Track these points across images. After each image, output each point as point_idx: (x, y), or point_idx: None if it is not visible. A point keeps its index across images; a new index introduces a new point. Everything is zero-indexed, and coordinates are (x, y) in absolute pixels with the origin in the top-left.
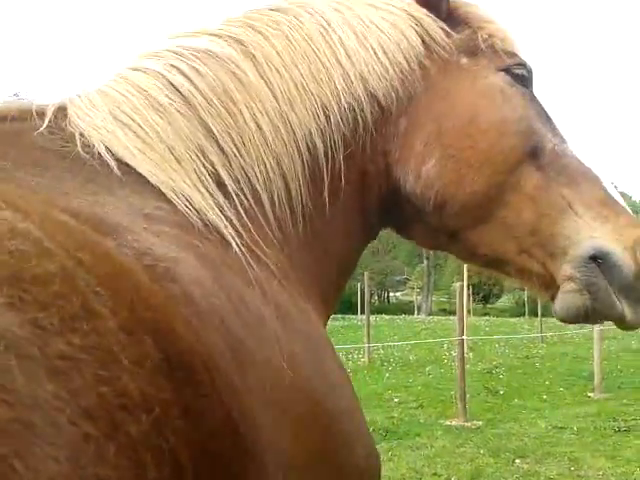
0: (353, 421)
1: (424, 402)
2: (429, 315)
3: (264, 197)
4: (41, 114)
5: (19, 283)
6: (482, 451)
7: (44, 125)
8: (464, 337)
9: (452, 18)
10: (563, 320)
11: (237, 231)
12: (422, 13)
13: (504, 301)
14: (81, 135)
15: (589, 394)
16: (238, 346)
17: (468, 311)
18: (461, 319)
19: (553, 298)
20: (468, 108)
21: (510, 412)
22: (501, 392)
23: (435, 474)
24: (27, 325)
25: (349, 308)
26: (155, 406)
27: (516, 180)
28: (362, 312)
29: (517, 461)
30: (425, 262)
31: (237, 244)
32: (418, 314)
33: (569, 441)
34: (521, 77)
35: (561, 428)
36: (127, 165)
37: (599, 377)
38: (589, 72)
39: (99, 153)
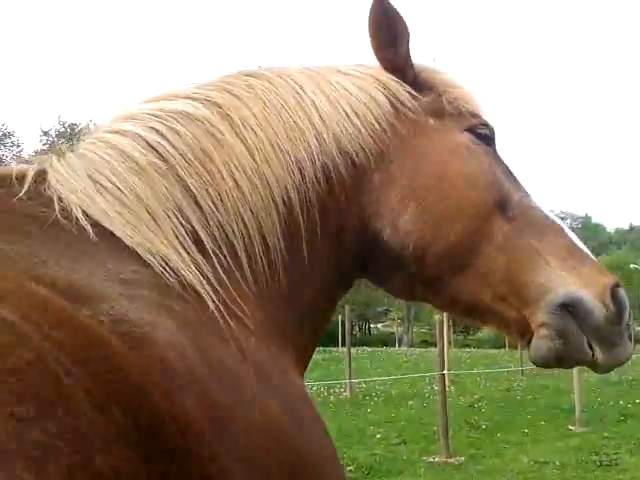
0: (333, 474)
1: (407, 438)
2: (411, 347)
3: (241, 252)
4: (21, 178)
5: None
6: None
7: (23, 191)
8: (445, 372)
9: (417, 82)
10: (536, 364)
11: (214, 289)
12: (388, 78)
13: (484, 332)
14: (59, 199)
15: (570, 427)
16: (215, 408)
17: (449, 343)
18: (442, 353)
19: (529, 343)
20: (438, 165)
21: (493, 447)
22: (483, 426)
23: None
24: (6, 419)
25: (330, 340)
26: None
27: (488, 231)
28: (343, 344)
29: None
30: None
31: (214, 302)
32: (400, 346)
33: (552, 476)
34: (484, 136)
35: (544, 463)
36: (104, 228)
37: (580, 410)
38: (562, 100)
39: (76, 217)
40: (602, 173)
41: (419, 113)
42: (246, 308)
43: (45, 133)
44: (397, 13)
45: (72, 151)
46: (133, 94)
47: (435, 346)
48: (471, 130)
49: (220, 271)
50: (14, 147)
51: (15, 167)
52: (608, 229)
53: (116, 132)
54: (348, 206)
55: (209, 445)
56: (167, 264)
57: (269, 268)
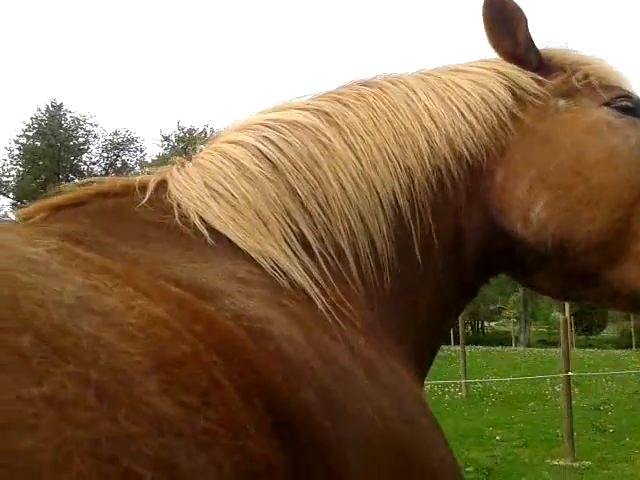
0: (446, 473)
1: (528, 440)
2: (528, 346)
3: (348, 254)
4: (142, 188)
5: (165, 368)
6: None
7: (145, 199)
8: (570, 373)
9: (545, 67)
10: None
11: (322, 290)
12: (509, 67)
13: (608, 332)
14: (178, 206)
15: None
16: (330, 400)
17: (570, 343)
18: (566, 354)
19: None
20: (573, 147)
21: (621, 452)
22: (610, 430)
23: None
24: (177, 406)
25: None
26: (274, 467)
27: None
28: (456, 342)
29: None
30: (520, 291)
31: (322, 303)
32: (516, 345)
33: None
34: (628, 108)
35: None
36: (219, 233)
37: None
38: None
39: (194, 223)
40: None
41: (546, 97)
42: (354, 308)
43: (166, 138)
44: (512, 2)
45: (190, 161)
46: (245, 100)
47: (554, 346)
48: (610, 104)
49: (327, 272)
50: (137, 152)
51: (138, 177)
52: None
53: (231, 142)
54: (467, 208)
55: (328, 436)
56: (277, 266)
57: (377, 270)
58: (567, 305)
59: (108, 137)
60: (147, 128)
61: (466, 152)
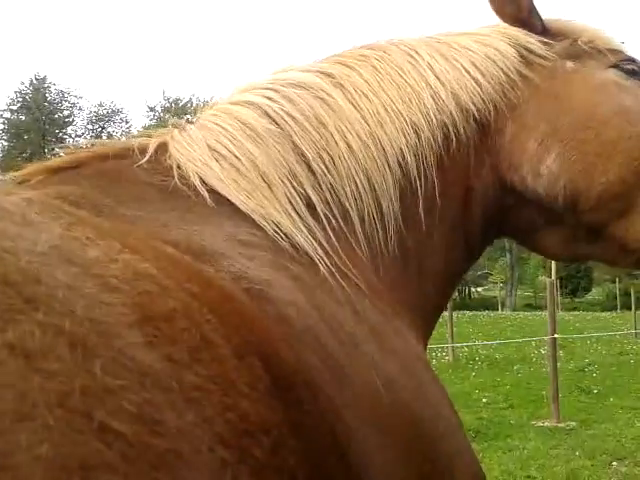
0: (455, 443)
1: (514, 402)
2: (514, 311)
3: (354, 215)
4: (142, 150)
5: (152, 322)
6: (577, 453)
7: (144, 160)
8: (556, 335)
9: (548, 32)
10: None
11: (326, 252)
12: (514, 30)
13: (594, 294)
14: (178, 167)
15: None
16: (334, 364)
17: (556, 306)
18: (552, 316)
19: None
20: (584, 104)
21: (605, 412)
22: (595, 391)
23: (529, 477)
24: (164, 360)
25: None
26: (272, 428)
27: None
28: None
29: (614, 464)
30: (508, 255)
31: (326, 265)
32: (502, 310)
33: None
34: (632, 71)
35: None
36: (220, 195)
37: None
38: None
39: (194, 184)
40: None
41: (554, 59)
42: (359, 271)
43: (151, 109)
44: None
45: (193, 123)
46: (232, 70)
47: (540, 309)
48: (617, 66)
49: (332, 234)
50: (123, 123)
51: (138, 140)
52: None
53: (235, 103)
54: (476, 166)
55: (332, 402)
56: (280, 228)
57: (382, 232)
58: (553, 268)
59: (93, 109)
60: (132, 99)
61: (473, 107)
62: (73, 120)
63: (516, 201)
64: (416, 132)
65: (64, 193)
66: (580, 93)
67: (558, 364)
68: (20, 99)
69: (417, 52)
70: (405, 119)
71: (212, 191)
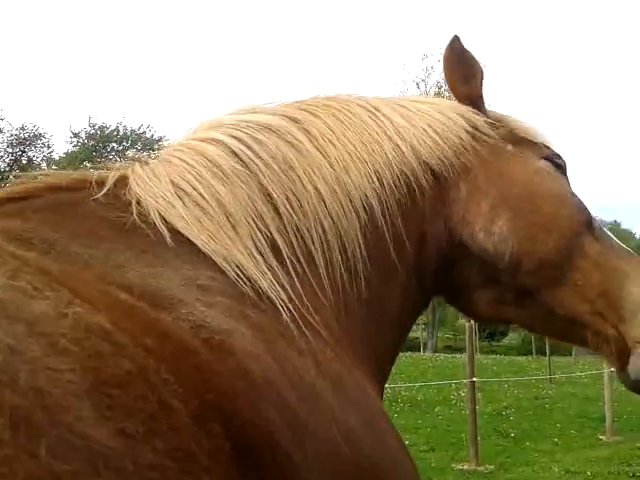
0: None
1: (435, 445)
2: (435, 352)
3: (319, 259)
4: (100, 183)
5: (104, 389)
6: None
7: (101, 193)
8: (474, 379)
9: (489, 117)
10: (636, 386)
11: (290, 298)
12: (465, 107)
13: (510, 339)
14: (138, 203)
15: (600, 437)
16: (295, 420)
17: (475, 349)
18: (471, 360)
19: (624, 366)
20: (526, 181)
21: (522, 456)
22: (512, 435)
23: None
24: (118, 436)
25: None
26: None
27: (581, 247)
28: None
29: None
30: None
31: (289, 312)
32: (424, 351)
33: None
34: (560, 166)
35: (575, 472)
36: (181, 234)
37: (610, 419)
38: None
39: (154, 222)
40: (631, 179)
41: (497, 139)
42: (322, 318)
43: (75, 135)
44: (472, 55)
45: (156, 158)
46: (161, 100)
47: (460, 352)
48: (549, 159)
49: (295, 279)
50: (45, 148)
51: (95, 172)
52: (638, 235)
53: (202, 140)
54: (431, 214)
55: (293, 461)
56: (242, 272)
57: (348, 276)
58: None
59: (14, 132)
60: (56, 124)
61: (432, 162)
62: None
63: (459, 255)
64: (379, 179)
65: (11, 228)
66: (522, 172)
67: (477, 407)
68: None
69: (377, 109)
70: (369, 167)
71: (172, 230)
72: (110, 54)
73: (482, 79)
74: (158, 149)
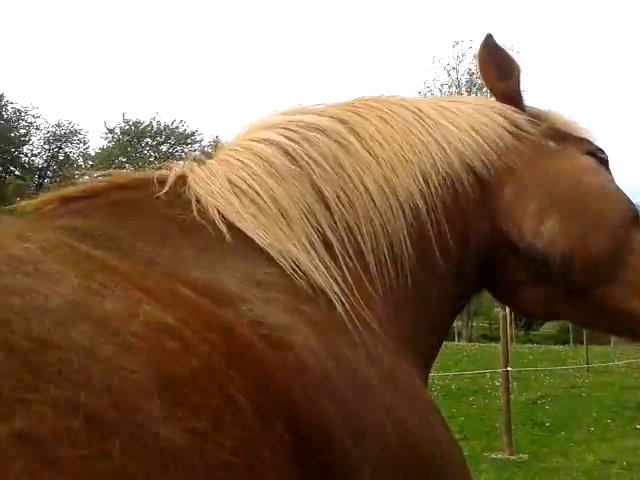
0: None
1: (468, 434)
2: (470, 342)
3: (368, 255)
4: (162, 182)
5: (173, 388)
6: None
7: (162, 192)
8: (509, 368)
9: (529, 114)
10: None
11: (342, 291)
12: (504, 106)
13: (547, 328)
14: (197, 201)
15: (637, 426)
16: (349, 414)
17: (511, 338)
18: (505, 349)
19: None
20: (573, 178)
21: (557, 445)
22: (547, 424)
23: None
24: (188, 434)
25: None
26: None
27: (630, 243)
28: None
29: None
30: None
31: (343, 306)
32: (459, 340)
33: (619, 476)
34: (603, 161)
35: (610, 462)
36: (239, 230)
37: None
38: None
39: (213, 219)
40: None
41: (539, 137)
42: (373, 313)
43: (110, 131)
44: (507, 52)
45: (213, 158)
46: (191, 96)
47: (495, 341)
48: (592, 154)
49: (347, 274)
50: (81, 144)
51: (157, 172)
52: None
53: (256, 140)
54: (475, 215)
55: (349, 457)
56: (297, 266)
57: (396, 273)
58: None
59: (50, 129)
60: (91, 120)
61: (476, 164)
62: (29, 139)
63: (508, 254)
64: (425, 180)
65: (79, 226)
66: (567, 170)
67: (511, 396)
68: None
69: (421, 111)
70: (415, 167)
71: (231, 226)
72: (144, 51)
73: (519, 75)
74: (191, 143)
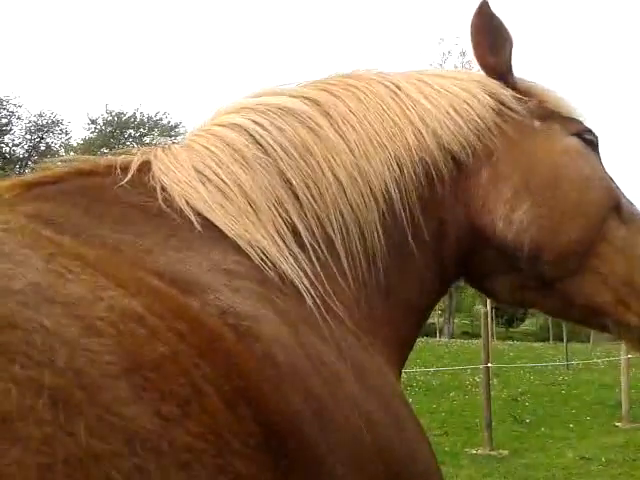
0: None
1: (449, 429)
2: (451, 338)
3: (339, 246)
4: (124, 169)
5: (140, 371)
6: None
7: (126, 179)
8: (489, 365)
9: (518, 89)
10: None
11: (312, 283)
12: (491, 81)
13: (528, 325)
14: (162, 189)
15: (616, 423)
16: (318, 407)
17: (491, 335)
18: (486, 346)
19: None
20: (552, 164)
21: (537, 441)
22: (527, 420)
23: None
24: (154, 417)
25: None
26: None
27: (604, 232)
28: None
29: None
30: None
31: (311, 297)
32: (440, 337)
33: (598, 473)
34: (590, 142)
35: (589, 459)
36: (206, 219)
37: (626, 406)
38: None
39: (179, 207)
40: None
41: (524, 115)
42: (343, 304)
43: (93, 121)
44: (502, 22)
45: (177, 143)
46: (176, 86)
47: (476, 338)
48: (578, 135)
49: (317, 265)
50: (63, 135)
51: (120, 158)
52: None
53: (223, 125)
54: (451, 201)
55: (318, 449)
56: (266, 256)
57: (367, 264)
58: (488, 299)
59: (32, 119)
60: (73, 111)
61: (453, 147)
62: (11, 129)
63: (480, 243)
64: (399, 166)
65: (43, 212)
66: (548, 153)
67: (492, 392)
68: None
69: (400, 88)
70: (389, 153)
71: (198, 215)
72: (127, 41)
73: (512, 49)
74: (175, 135)
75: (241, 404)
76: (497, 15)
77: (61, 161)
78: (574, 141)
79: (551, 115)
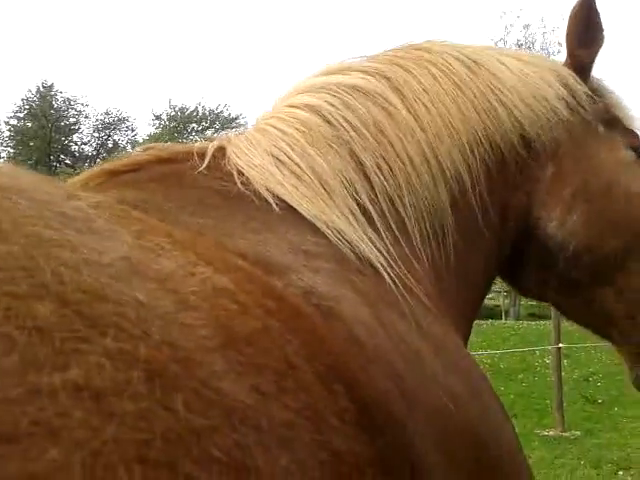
0: (516, 466)
1: (518, 412)
2: (517, 320)
3: (410, 227)
4: (201, 155)
5: (235, 346)
6: (582, 462)
7: (204, 165)
8: (560, 345)
9: (592, 89)
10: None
11: (388, 262)
12: (569, 74)
13: None
14: (239, 173)
15: None
16: (403, 386)
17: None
18: (557, 326)
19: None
20: (610, 172)
21: (610, 421)
22: (599, 401)
23: None
24: (251, 392)
25: None
26: (366, 468)
27: (638, 250)
28: None
29: (620, 473)
30: None
31: (389, 276)
32: (506, 319)
33: None
34: None
35: None
36: (283, 201)
37: None
38: None
39: (257, 190)
40: None
41: (592, 117)
42: (418, 282)
43: (157, 117)
44: (601, 20)
45: (252, 127)
46: (237, 79)
47: (543, 319)
48: (635, 149)
49: (391, 245)
50: (129, 132)
51: (197, 144)
52: None
53: (295, 106)
54: (515, 188)
55: (406, 428)
56: (343, 237)
57: (437, 246)
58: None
59: (99, 117)
60: (138, 107)
61: (531, 135)
62: (79, 128)
63: (527, 233)
64: (472, 151)
65: (128, 197)
66: (607, 162)
67: (562, 373)
68: (27, 106)
69: (477, 63)
70: (462, 136)
71: (274, 197)
72: (188, 37)
73: (600, 48)
74: (235, 127)
75: (334, 382)
76: (599, 11)
77: (141, 149)
78: (631, 155)
79: (615, 123)
